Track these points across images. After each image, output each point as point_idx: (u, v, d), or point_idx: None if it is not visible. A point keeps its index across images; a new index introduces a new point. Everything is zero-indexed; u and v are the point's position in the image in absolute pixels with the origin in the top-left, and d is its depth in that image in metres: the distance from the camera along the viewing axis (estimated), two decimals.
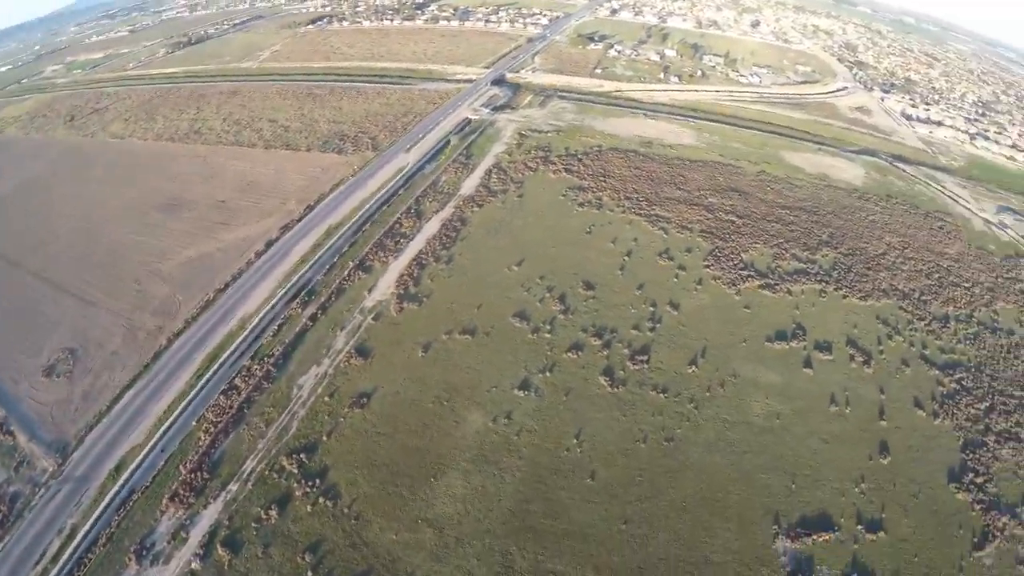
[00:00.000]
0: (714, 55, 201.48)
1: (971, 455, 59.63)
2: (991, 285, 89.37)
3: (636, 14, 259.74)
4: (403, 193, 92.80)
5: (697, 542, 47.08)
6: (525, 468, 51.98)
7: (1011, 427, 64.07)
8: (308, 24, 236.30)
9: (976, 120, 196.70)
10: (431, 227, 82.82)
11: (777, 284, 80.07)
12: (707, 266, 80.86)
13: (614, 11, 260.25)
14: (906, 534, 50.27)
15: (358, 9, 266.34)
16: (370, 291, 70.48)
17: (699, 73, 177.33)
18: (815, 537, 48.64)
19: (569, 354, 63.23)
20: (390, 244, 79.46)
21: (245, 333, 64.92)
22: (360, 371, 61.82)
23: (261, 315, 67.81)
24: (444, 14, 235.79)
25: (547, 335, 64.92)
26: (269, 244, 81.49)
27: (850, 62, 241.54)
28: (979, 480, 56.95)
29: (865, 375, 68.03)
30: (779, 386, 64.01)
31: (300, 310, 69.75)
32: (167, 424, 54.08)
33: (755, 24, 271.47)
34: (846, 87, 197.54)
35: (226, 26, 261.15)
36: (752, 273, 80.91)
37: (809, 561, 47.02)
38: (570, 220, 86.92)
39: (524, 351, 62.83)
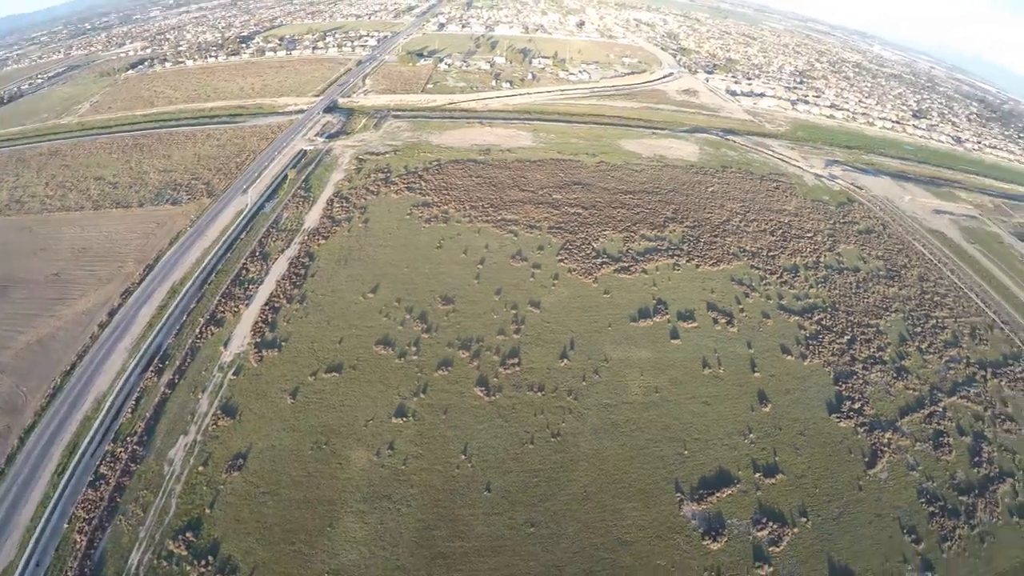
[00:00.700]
0: (543, 57, 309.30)
1: (844, 385, 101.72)
2: (831, 231, 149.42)
3: (463, 26, 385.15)
4: (245, 237, 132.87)
5: (607, 527, 73.06)
6: (420, 495, 75.45)
7: (874, 352, 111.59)
8: (128, 70, 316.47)
9: (795, 88, 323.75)
10: (279, 267, 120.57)
11: (632, 266, 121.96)
12: (561, 260, 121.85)
13: (441, 25, 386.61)
14: (802, 470, 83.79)
15: (180, 49, 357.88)
16: (226, 345, 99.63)
17: (530, 76, 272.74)
18: (718, 494, 78.12)
19: (440, 372, 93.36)
20: (239, 292, 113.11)
21: (102, 415, 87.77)
22: (230, 432, 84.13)
23: (116, 391, 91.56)
24: (270, 45, 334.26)
25: (414, 357, 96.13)
26: (112, 313, 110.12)
27: (674, 50, 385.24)
28: (856, 406, 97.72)
29: (731, 334, 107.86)
30: (651, 361, 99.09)
31: (156, 378, 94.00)
32: (36, 533, 71.33)
33: (580, 24, 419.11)
34: (672, 73, 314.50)
35: (40, 80, 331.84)
36: (606, 259, 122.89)
37: (718, 517, 75.86)
38: (419, 238, 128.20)
39: (394, 378, 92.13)
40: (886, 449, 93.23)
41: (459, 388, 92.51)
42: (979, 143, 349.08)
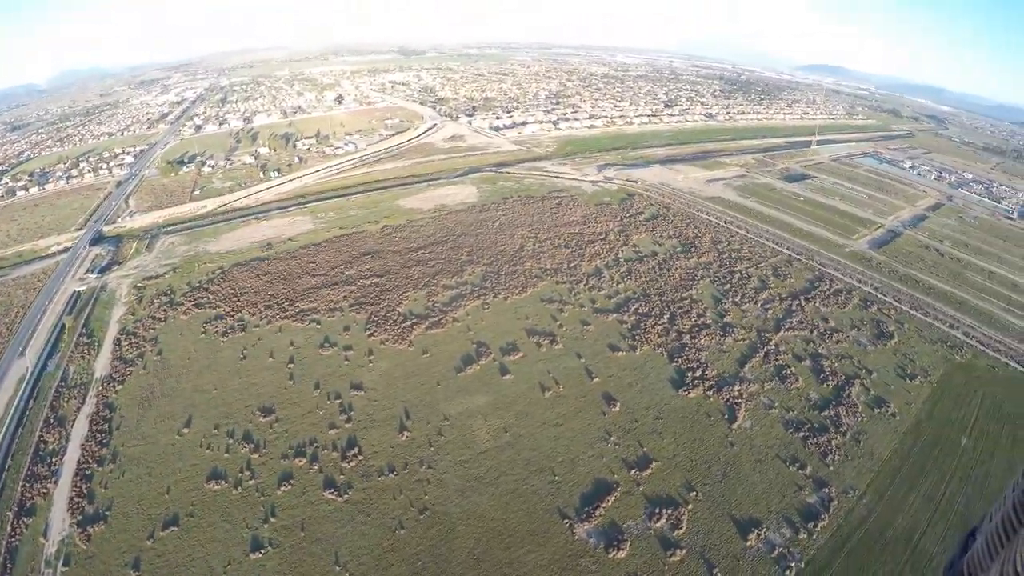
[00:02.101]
0: (306, 138, 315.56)
1: (679, 360, 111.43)
2: (621, 227, 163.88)
3: (221, 124, 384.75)
4: (34, 406, 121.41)
5: None
6: None
7: (696, 321, 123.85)
8: None
9: (554, 109, 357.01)
10: (79, 429, 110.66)
11: (442, 318, 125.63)
12: (371, 335, 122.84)
13: (199, 127, 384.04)
14: (672, 450, 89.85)
15: None
16: (45, 535, 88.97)
17: (297, 160, 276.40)
18: (604, 505, 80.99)
19: (283, 488, 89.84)
20: (43, 470, 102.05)
21: None
22: None
23: None
24: (20, 183, 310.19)
25: (251, 482, 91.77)
26: None
27: (432, 102, 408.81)
28: (698, 374, 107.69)
29: (558, 352, 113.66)
30: (491, 404, 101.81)
31: None
32: None
33: (339, 99, 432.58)
34: (435, 124, 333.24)
35: None
36: (415, 320, 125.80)
37: (614, 527, 78.61)
38: (221, 354, 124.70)
39: (237, 511, 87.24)
40: (740, 400, 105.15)
41: (308, 499, 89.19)
42: (728, 113, 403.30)
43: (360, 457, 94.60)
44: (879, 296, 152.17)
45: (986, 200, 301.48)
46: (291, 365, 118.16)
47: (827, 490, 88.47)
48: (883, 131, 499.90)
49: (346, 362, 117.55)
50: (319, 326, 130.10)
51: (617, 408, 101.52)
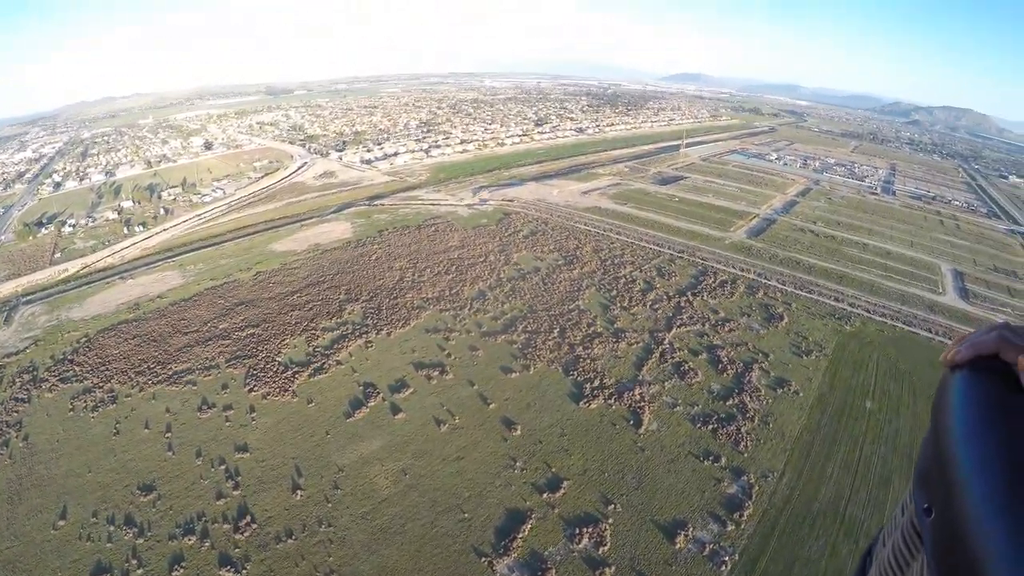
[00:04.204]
0: (171, 188, 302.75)
1: (575, 373, 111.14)
2: (500, 247, 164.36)
3: (82, 179, 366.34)
4: None
5: None
6: None
7: (586, 331, 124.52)
8: None
9: (425, 137, 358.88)
10: None
11: (325, 363, 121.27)
12: (251, 390, 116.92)
13: (58, 184, 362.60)
14: (582, 466, 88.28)
15: None
16: None
17: (163, 211, 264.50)
18: (520, 536, 78.23)
19: (175, 573, 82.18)
20: None
21: None
22: None
23: None
24: None
25: (139, 572, 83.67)
26: None
27: (302, 140, 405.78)
28: (596, 383, 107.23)
29: (448, 382, 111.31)
30: (386, 447, 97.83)
31: None
32: None
33: (207, 145, 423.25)
34: (305, 162, 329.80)
35: None
36: (296, 368, 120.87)
37: (535, 556, 76.11)
38: (92, 431, 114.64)
39: None
40: (643, 404, 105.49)
41: None
42: (598, 126, 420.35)
43: (254, 525, 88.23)
44: (764, 281, 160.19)
45: (850, 180, 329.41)
46: (169, 434, 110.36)
47: (746, 477, 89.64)
48: (747, 129, 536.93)
49: (227, 423, 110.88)
50: (195, 387, 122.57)
51: (518, 431, 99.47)
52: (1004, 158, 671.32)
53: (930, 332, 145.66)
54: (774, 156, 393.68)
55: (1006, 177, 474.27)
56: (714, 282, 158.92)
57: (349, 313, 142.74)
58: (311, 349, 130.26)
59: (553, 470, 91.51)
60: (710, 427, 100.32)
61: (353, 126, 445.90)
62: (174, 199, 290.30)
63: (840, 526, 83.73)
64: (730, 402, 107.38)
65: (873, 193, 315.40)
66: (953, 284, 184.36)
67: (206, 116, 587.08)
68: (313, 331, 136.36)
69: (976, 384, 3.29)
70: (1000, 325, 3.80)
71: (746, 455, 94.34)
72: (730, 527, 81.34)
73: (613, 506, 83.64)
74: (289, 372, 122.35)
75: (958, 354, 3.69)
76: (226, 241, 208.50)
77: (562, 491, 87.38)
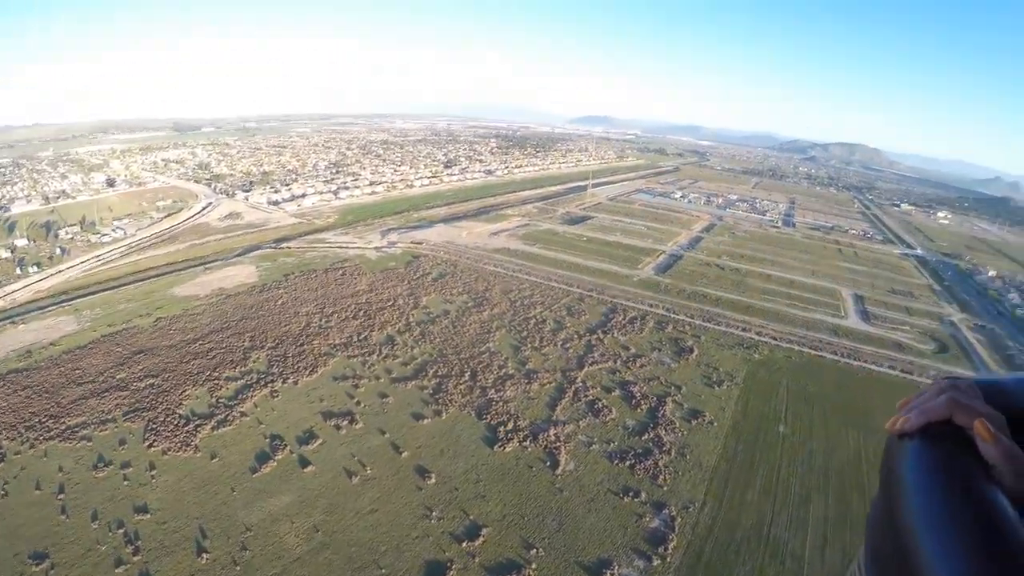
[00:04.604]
0: (69, 227, 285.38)
1: (488, 416, 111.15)
2: (409, 291, 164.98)
3: None
4: None
5: None
6: None
7: (497, 373, 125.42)
8: None
9: (334, 179, 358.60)
10: None
11: (228, 415, 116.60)
12: (150, 446, 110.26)
13: None
14: (501, 511, 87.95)
15: None
16: None
17: (59, 251, 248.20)
18: None
19: None
20: None
21: None
22: None
23: None
24: None
25: None
26: None
27: (207, 179, 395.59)
28: (510, 426, 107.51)
29: (358, 432, 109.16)
30: (295, 503, 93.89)
31: None
32: None
33: (110, 181, 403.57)
34: (211, 202, 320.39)
35: None
36: (199, 421, 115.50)
37: None
38: None
39: None
40: (558, 444, 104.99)
41: None
42: (507, 168, 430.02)
43: None
44: (673, 316, 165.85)
45: (752, 215, 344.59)
46: (62, 496, 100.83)
47: (667, 511, 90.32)
48: (653, 168, 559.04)
49: (125, 482, 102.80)
50: (90, 443, 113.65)
51: (433, 480, 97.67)
52: (895, 188, 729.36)
53: (836, 355, 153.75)
54: (679, 194, 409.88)
55: (898, 205, 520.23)
56: (624, 319, 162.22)
57: (254, 361, 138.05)
58: (214, 400, 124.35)
59: (471, 517, 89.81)
60: (627, 463, 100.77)
61: (261, 166, 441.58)
62: (72, 238, 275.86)
63: (765, 548, 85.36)
64: (646, 436, 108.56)
65: (774, 226, 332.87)
66: (854, 308, 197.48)
67: (109, 151, 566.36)
68: (216, 381, 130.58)
69: (932, 457, 3.07)
70: (947, 386, 3.51)
71: (666, 488, 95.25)
72: (656, 562, 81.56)
73: (535, 550, 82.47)
74: (191, 425, 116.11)
75: (907, 423, 3.44)
76: (125, 284, 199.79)
77: (482, 539, 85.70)
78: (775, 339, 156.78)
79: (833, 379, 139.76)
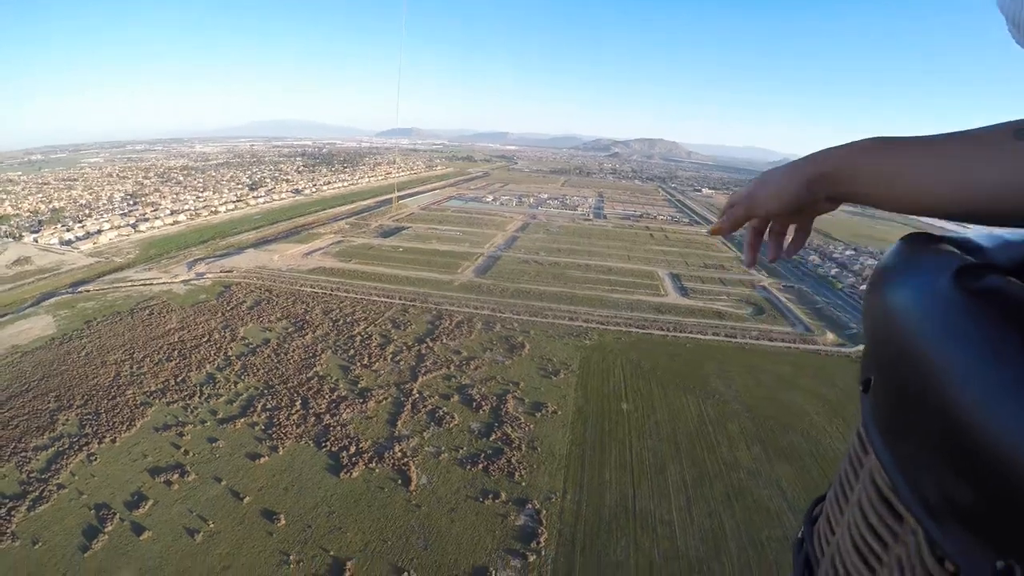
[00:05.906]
0: None
1: (328, 443, 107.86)
2: (225, 322, 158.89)
3: None
4: None
5: None
6: None
7: (330, 397, 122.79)
8: None
9: (132, 211, 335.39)
10: None
11: (42, 491, 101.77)
12: None
13: None
14: (362, 540, 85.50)
15: None
16: None
17: None
18: None
19: None
20: None
21: None
22: None
23: None
24: None
25: None
26: None
27: None
28: (352, 450, 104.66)
29: (192, 483, 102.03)
30: None
31: None
32: None
33: None
34: None
35: None
36: (11, 503, 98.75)
37: None
38: None
39: None
40: (407, 460, 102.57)
41: None
42: (315, 185, 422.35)
43: None
44: (499, 315, 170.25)
45: (564, 211, 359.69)
46: None
47: (530, 505, 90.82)
48: (463, 175, 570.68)
49: None
50: None
51: (283, 521, 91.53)
52: (695, 175, 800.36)
53: (663, 330, 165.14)
54: (491, 198, 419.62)
55: (699, 190, 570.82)
56: (451, 324, 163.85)
57: (63, 424, 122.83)
58: (24, 476, 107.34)
59: (332, 553, 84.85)
60: (480, 466, 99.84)
61: (51, 202, 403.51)
62: None
63: (634, 521, 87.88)
64: (493, 437, 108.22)
65: (587, 220, 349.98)
66: (672, 285, 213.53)
67: None
68: (23, 453, 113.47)
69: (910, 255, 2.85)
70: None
71: (524, 484, 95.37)
72: (532, 557, 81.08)
73: (406, 573, 79.61)
74: (3, 510, 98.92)
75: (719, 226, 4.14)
76: None
77: (348, 573, 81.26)
78: (602, 324, 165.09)
79: (664, 352, 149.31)
